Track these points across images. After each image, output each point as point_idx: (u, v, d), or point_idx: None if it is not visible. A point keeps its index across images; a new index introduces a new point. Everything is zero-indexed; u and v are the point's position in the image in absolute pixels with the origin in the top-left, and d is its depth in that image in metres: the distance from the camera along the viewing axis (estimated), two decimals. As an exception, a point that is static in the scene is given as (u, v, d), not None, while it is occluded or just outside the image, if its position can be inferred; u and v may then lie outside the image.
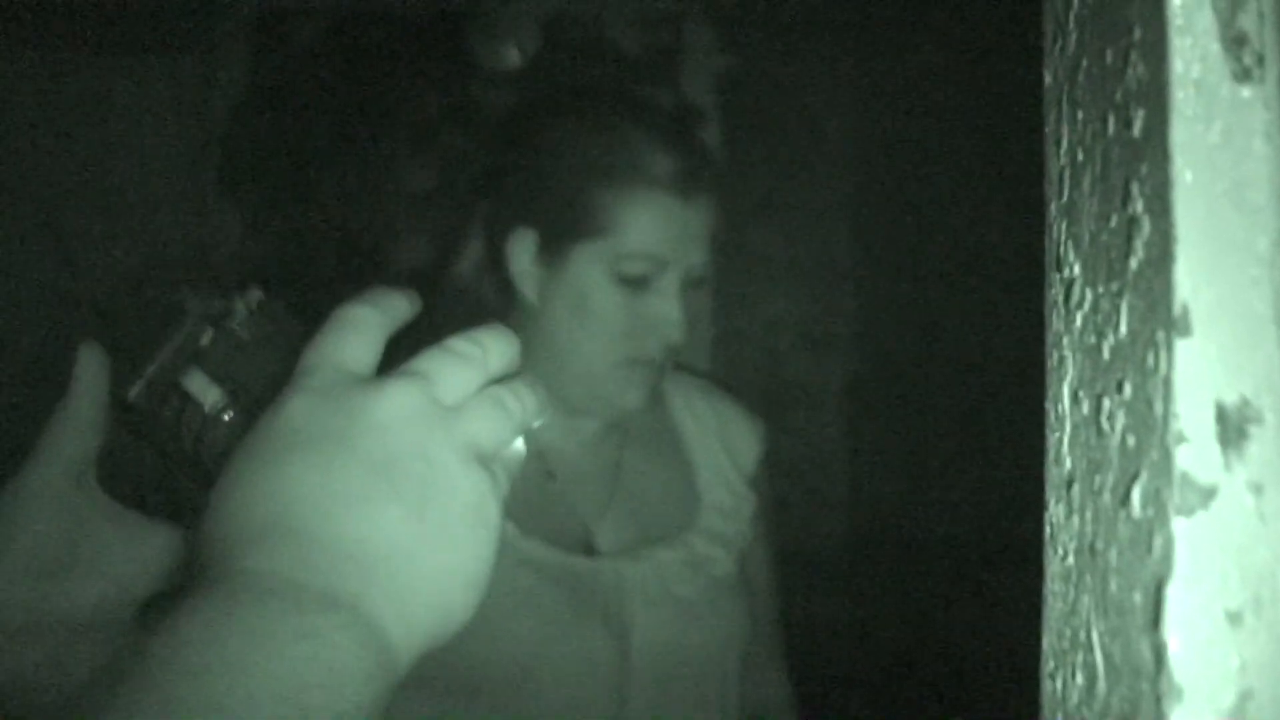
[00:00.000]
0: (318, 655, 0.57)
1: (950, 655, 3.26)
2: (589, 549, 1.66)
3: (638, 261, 1.56)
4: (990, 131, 3.22)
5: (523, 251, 1.62)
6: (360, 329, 0.69)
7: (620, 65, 3.19)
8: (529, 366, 1.65)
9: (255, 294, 0.79)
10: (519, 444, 0.72)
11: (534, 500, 1.66)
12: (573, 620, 1.56)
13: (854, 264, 3.26)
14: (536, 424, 0.72)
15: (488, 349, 0.69)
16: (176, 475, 0.79)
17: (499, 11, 3.05)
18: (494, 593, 1.45)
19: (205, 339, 0.77)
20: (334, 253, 3.20)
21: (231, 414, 0.75)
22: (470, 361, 0.68)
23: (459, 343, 0.68)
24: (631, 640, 1.59)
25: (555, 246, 1.59)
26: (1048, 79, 0.41)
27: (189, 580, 0.63)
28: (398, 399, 0.64)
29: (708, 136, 3.11)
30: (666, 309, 1.59)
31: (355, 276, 3.17)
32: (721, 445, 1.85)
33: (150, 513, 0.84)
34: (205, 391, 0.75)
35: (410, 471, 0.62)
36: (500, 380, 0.70)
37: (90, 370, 0.80)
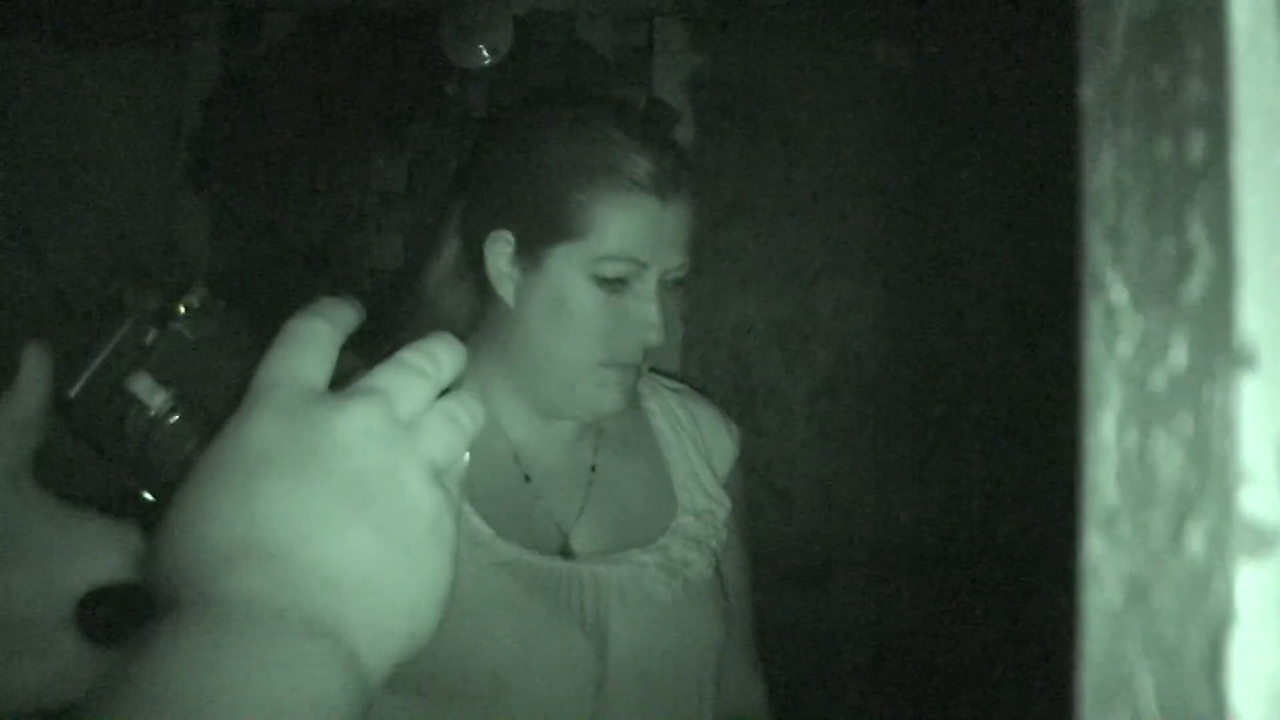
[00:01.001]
0: (303, 683, 0.58)
1: (919, 658, 3.26)
2: (565, 551, 1.66)
3: (616, 263, 1.55)
4: (964, 132, 3.23)
5: (499, 253, 1.62)
6: (315, 343, 0.69)
7: (593, 64, 3.18)
8: (506, 368, 1.64)
9: (199, 291, 0.78)
10: (464, 455, 0.72)
11: (510, 503, 1.66)
12: (550, 623, 1.56)
13: (825, 265, 3.26)
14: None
15: (440, 362, 0.69)
16: (118, 474, 0.77)
17: (472, 10, 3.03)
18: (471, 595, 1.43)
19: (149, 338, 0.75)
20: (303, 251, 3.18)
21: (177, 417, 0.74)
22: (425, 376, 0.68)
23: (413, 356, 0.69)
24: (609, 643, 1.59)
25: (532, 248, 1.58)
26: (1087, 95, 0.39)
27: (156, 598, 0.64)
28: (361, 418, 0.64)
29: (681, 136, 3.10)
30: (644, 311, 1.59)
31: (324, 274, 3.15)
32: (696, 449, 1.85)
33: (87, 506, 0.82)
34: (151, 394, 0.74)
35: (378, 493, 0.63)
36: (446, 391, 0.70)
37: (33, 367, 0.79)
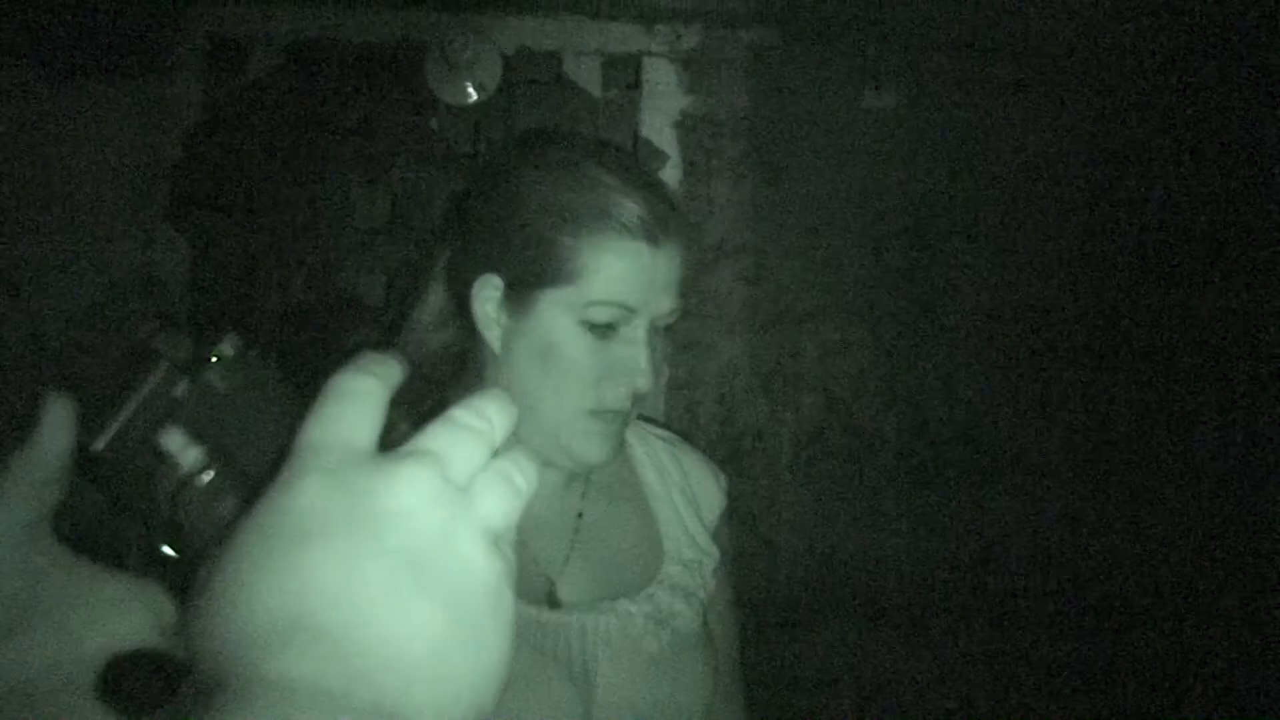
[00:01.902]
0: None
1: (904, 708, 3.24)
2: (552, 601, 1.62)
3: (605, 309, 1.53)
4: (952, 174, 3.21)
5: (487, 298, 1.59)
6: (363, 402, 0.64)
7: (580, 103, 3.16)
8: None
9: (233, 339, 0.73)
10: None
11: None
12: (536, 674, 1.53)
13: (812, 308, 3.23)
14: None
15: (492, 420, 0.66)
16: (145, 532, 0.73)
17: (459, 46, 3.01)
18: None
19: (180, 390, 0.71)
20: (282, 285, 3.14)
21: (211, 475, 0.69)
22: (479, 436, 0.64)
23: (466, 415, 0.65)
24: (596, 695, 1.56)
25: (520, 293, 1.56)
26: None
27: (196, 673, 0.59)
28: (417, 484, 0.60)
29: (668, 177, 3.08)
30: (634, 357, 1.56)
31: (303, 310, 3.12)
32: (684, 498, 1.83)
33: (109, 563, 0.76)
34: (183, 450, 0.69)
35: (437, 563, 0.59)
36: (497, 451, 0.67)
37: (56, 418, 0.72)
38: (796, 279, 3.24)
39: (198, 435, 0.70)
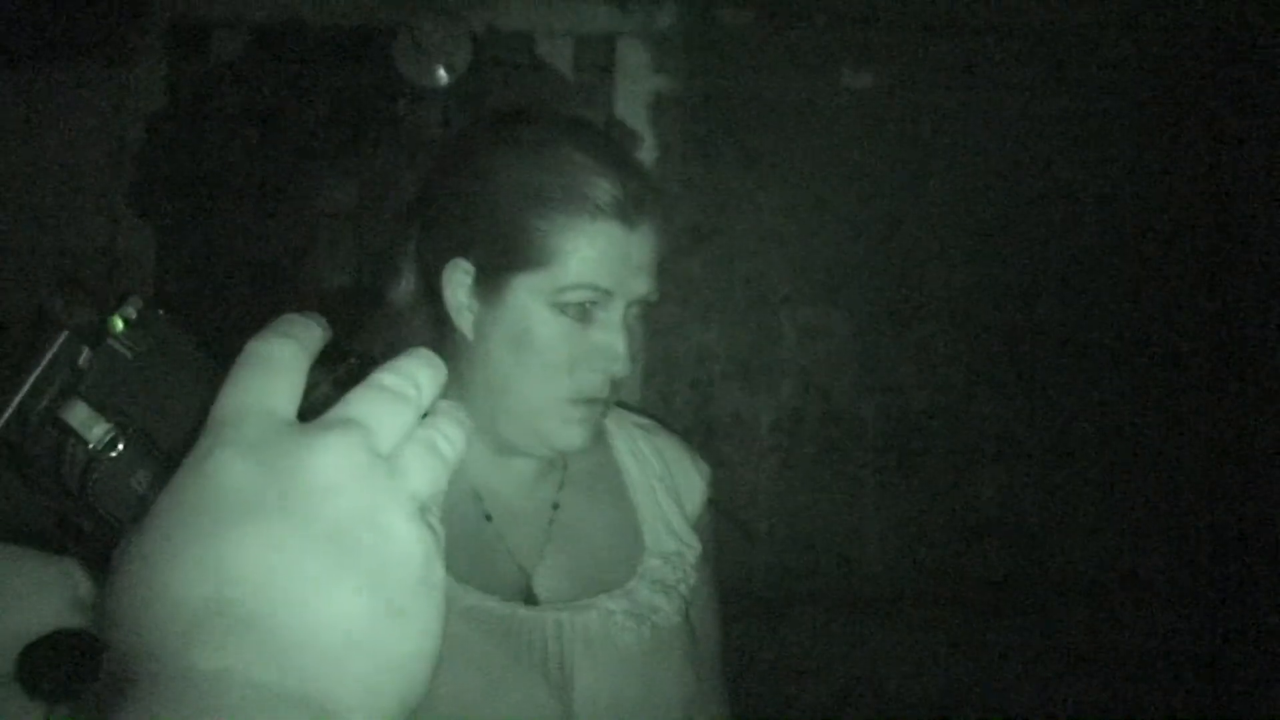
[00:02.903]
0: None
1: (883, 696, 3.22)
2: (528, 596, 1.58)
3: (579, 292, 1.48)
4: (930, 156, 3.19)
5: (457, 283, 1.54)
6: (282, 368, 0.60)
7: (553, 85, 3.12)
8: (465, 403, 1.56)
9: (136, 301, 0.68)
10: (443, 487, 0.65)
11: (470, 544, 1.58)
12: (512, 673, 1.48)
13: (789, 293, 3.20)
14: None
15: (420, 384, 0.62)
16: (58, 509, 0.68)
17: (429, 27, 2.96)
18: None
19: (82, 359, 0.66)
20: (249, 270, 3.10)
21: (120, 448, 0.64)
22: (406, 402, 0.60)
23: (391, 379, 0.61)
24: (574, 694, 1.51)
25: (492, 278, 1.51)
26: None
27: (112, 659, 0.55)
28: (342, 458, 0.56)
29: (642, 159, 3.05)
30: (610, 342, 1.52)
31: (270, 294, 3.08)
32: (665, 488, 1.78)
33: (23, 543, 0.72)
34: (89, 425, 0.63)
35: (364, 540, 0.55)
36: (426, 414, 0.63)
37: None
38: (772, 263, 3.21)
39: (104, 407, 0.65)
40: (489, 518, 1.62)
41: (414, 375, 0.61)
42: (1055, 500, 3.25)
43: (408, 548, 0.56)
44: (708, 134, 3.19)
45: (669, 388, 3.18)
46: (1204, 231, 3.27)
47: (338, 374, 0.63)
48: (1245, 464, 3.28)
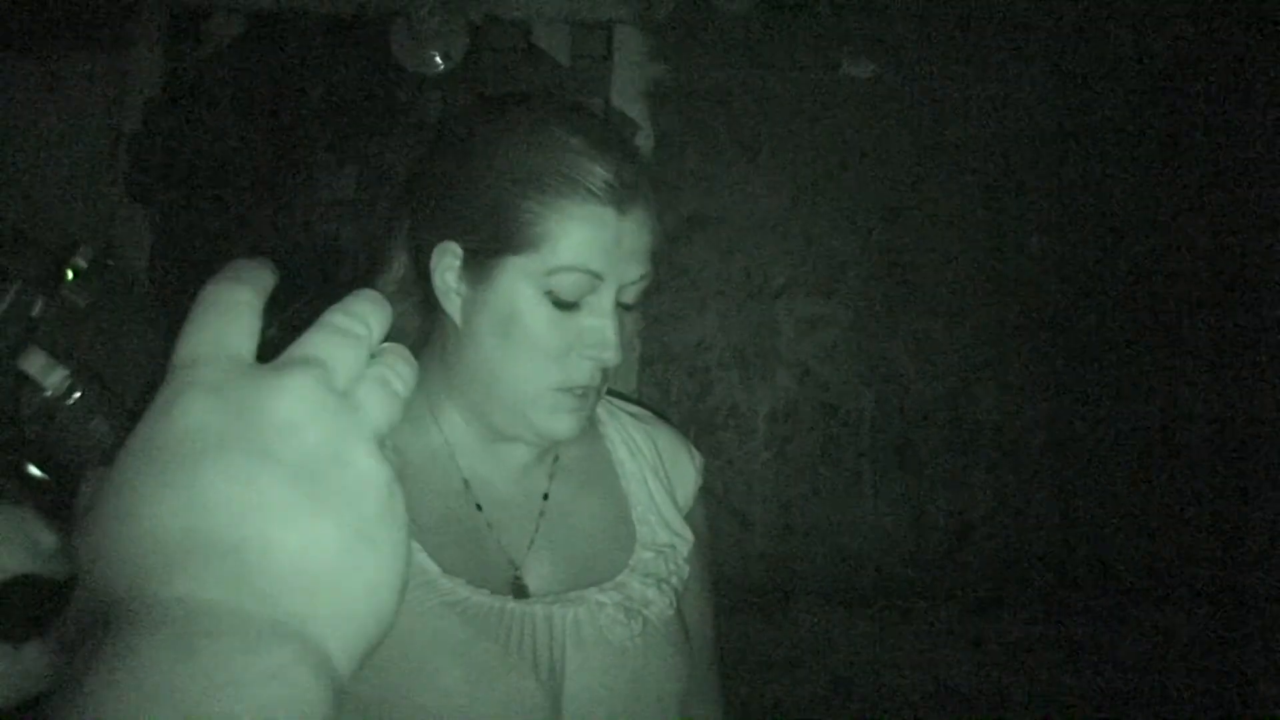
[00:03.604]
0: (285, 695, 0.53)
1: (879, 689, 3.21)
2: (517, 588, 1.56)
3: (569, 277, 1.47)
4: (931, 146, 3.18)
5: (446, 267, 1.52)
6: (238, 311, 0.63)
7: (549, 72, 3.10)
8: (455, 389, 1.54)
9: (86, 252, 0.68)
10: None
11: (459, 534, 1.56)
12: (501, 669, 1.46)
13: (787, 282, 3.18)
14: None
15: (369, 323, 0.65)
16: (15, 457, 0.67)
17: (425, 15, 2.94)
18: (416, 639, 1.32)
19: (36, 309, 0.66)
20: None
21: (78, 395, 0.66)
22: (358, 340, 0.64)
23: (342, 319, 0.64)
24: (564, 690, 1.49)
25: (481, 261, 1.49)
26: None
27: (89, 601, 0.57)
28: (303, 394, 0.59)
29: (639, 147, 3.03)
30: (600, 329, 1.50)
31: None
32: (657, 478, 1.76)
33: None
34: (46, 372, 0.65)
35: (329, 473, 0.58)
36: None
37: None
38: (771, 252, 3.19)
39: (60, 355, 0.65)
40: (479, 507, 1.60)
41: (363, 315, 0.65)
42: (1054, 493, 3.23)
43: (371, 478, 0.59)
44: (706, 123, 3.17)
45: (665, 377, 3.16)
46: (1207, 223, 3.25)
47: (287, 316, 0.67)
48: (1248, 457, 3.26)
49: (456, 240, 1.51)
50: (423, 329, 1.65)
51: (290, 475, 0.56)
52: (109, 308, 0.68)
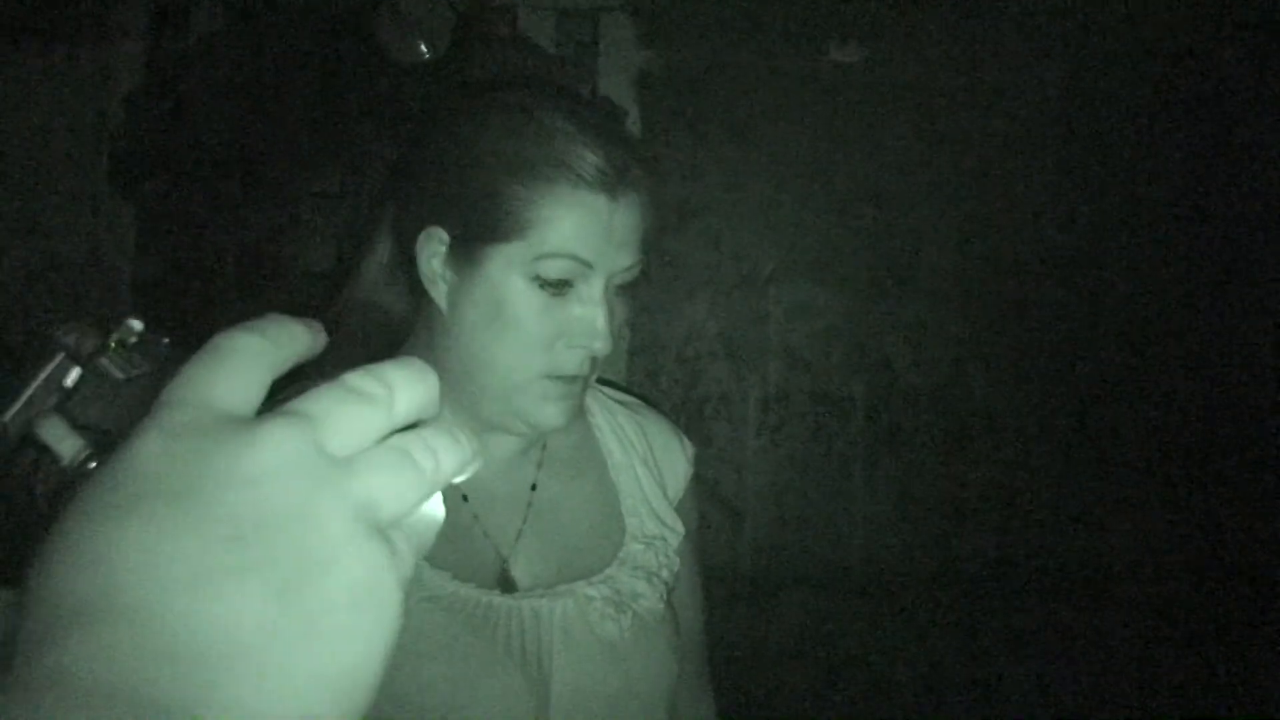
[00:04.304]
0: None
1: (871, 679, 3.20)
2: (505, 582, 1.53)
3: (557, 263, 1.43)
4: (913, 132, 3.17)
5: (432, 253, 1.49)
6: (240, 361, 0.54)
7: (536, 60, 3.08)
8: (441, 378, 1.52)
9: (133, 325, 0.65)
10: (435, 509, 0.58)
11: (446, 526, 1.53)
12: (487, 665, 1.43)
13: (776, 270, 3.17)
14: (460, 479, 0.57)
15: (395, 387, 0.55)
16: (25, 536, 0.65)
17: (410, 3, 2.92)
18: (402, 634, 1.30)
19: (69, 378, 0.63)
20: (234, 255, 3.06)
21: (95, 465, 0.61)
22: (371, 402, 0.53)
23: (358, 378, 0.54)
24: (551, 686, 1.46)
25: (468, 248, 1.46)
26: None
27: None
28: (274, 446, 0.50)
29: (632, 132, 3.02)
30: (590, 317, 1.47)
31: (256, 280, 3.04)
32: (647, 469, 1.74)
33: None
34: (62, 440, 0.61)
35: (282, 538, 0.48)
36: (412, 427, 0.56)
37: None
38: (760, 240, 3.18)
39: (84, 426, 0.62)
40: (465, 498, 1.58)
41: (386, 377, 0.55)
42: (1046, 480, 3.22)
43: (339, 554, 0.49)
44: (694, 109, 3.15)
45: (655, 366, 3.15)
46: (1201, 208, 3.24)
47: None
48: (1242, 445, 3.25)
49: (443, 226, 1.48)
50: (408, 316, 1.63)
51: (229, 536, 0.47)
52: (144, 383, 0.65)
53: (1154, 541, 3.25)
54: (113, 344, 0.65)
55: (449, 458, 0.55)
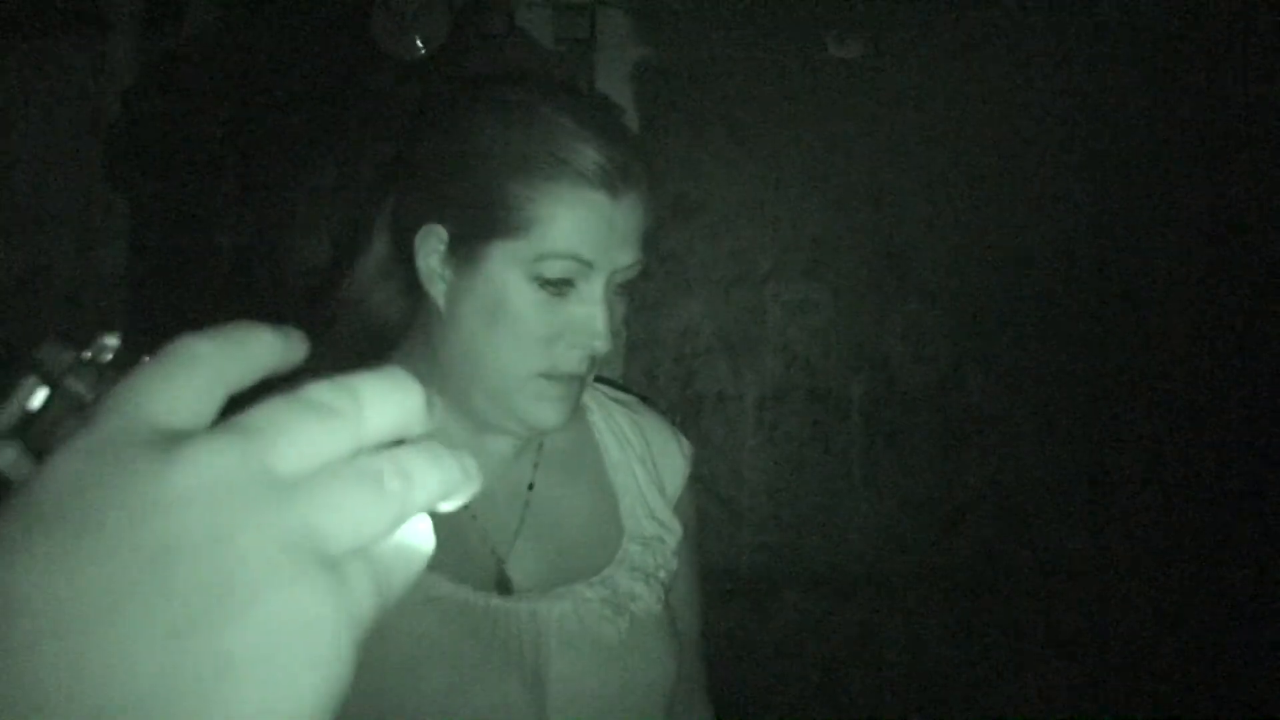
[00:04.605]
0: None
1: (869, 678, 3.19)
2: (501, 584, 1.52)
3: (559, 263, 1.42)
4: (912, 129, 3.16)
5: (431, 250, 1.48)
6: (190, 370, 0.47)
7: (533, 55, 3.06)
8: (437, 376, 1.50)
9: (108, 342, 0.61)
10: (417, 540, 0.51)
11: (441, 526, 1.52)
12: (484, 668, 1.42)
13: (774, 267, 3.16)
14: (450, 506, 0.51)
15: (365, 400, 0.47)
16: None
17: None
18: (394, 636, 1.27)
19: (34, 401, 0.60)
20: (229, 251, 3.05)
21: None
22: (332, 416, 0.46)
23: (320, 389, 0.46)
24: (548, 689, 1.45)
25: (467, 245, 1.45)
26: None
27: None
28: (202, 464, 0.42)
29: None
30: (590, 316, 1.45)
31: (251, 276, 3.03)
32: (645, 468, 1.72)
33: None
34: (18, 469, 0.57)
35: (192, 569, 0.41)
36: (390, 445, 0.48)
37: None
38: (758, 237, 3.17)
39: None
40: None
41: (354, 389, 0.47)
42: (1044, 479, 3.21)
43: (266, 593, 0.41)
44: (691, 106, 3.14)
45: (652, 364, 3.14)
46: (1201, 206, 3.23)
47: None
48: (1240, 444, 3.24)
49: (442, 223, 1.47)
50: (405, 313, 1.61)
51: (139, 561, 0.40)
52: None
53: (1152, 541, 3.24)
54: (84, 361, 0.61)
55: (428, 481, 0.48)
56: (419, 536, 0.51)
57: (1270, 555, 3.21)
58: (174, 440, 0.43)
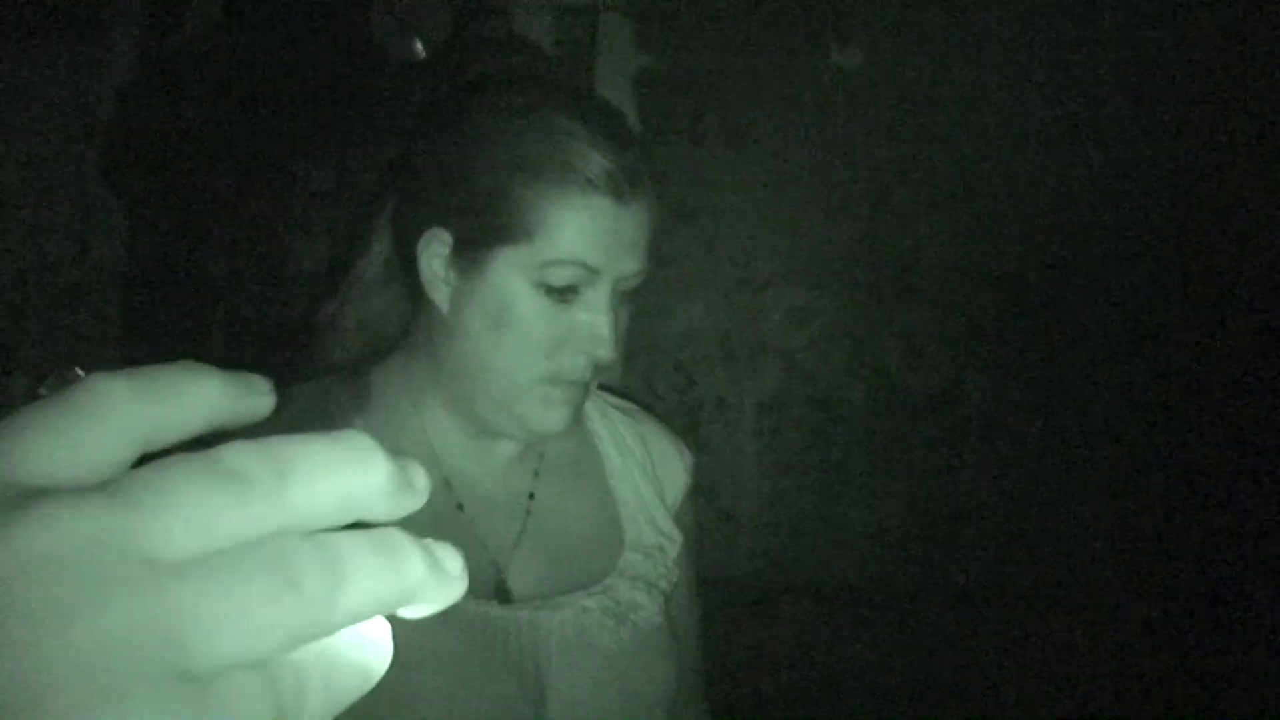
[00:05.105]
0: None
1: (869, 689, 3.18)
2: (501, 592, 1.50)
3: (564, 269, 1.40)
4: (912, 136, 3.15)
5: (434, 254, 1.46)
6: (90, 419, 0.37)
7: (533, 59, 3.05)
8: (439, 381, 1.48)
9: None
10: (361, 651, 0.40)
11: (440, 535, 1.50)
12: (483, 678, 1.40)
13: (775, 273, 3.15)
14: (415, 613, 0.40)
15: (292, 470, 0.37)
16: None
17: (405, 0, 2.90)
18: (393, 646, 1.26)
19: None
20: (227, 253, 3.03)
21: None
22: (242, 487, 0.36)
23: (236, 451, 0.36)
24: (548, 700, 1.43)
25: (471, 250, 1.43)
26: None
27: None
28: (59, 530, 0.33)
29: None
30: (595, 323, 1.44)
31: (249, 279, 3.01)
32: (646, 477, 1.71)
33: None
34: None
35: (18, 662, 0.31)
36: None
37: None
38: (757, 243, 3.16)
39: None
40: (461, 507, 1.55)
41: (281, 455, 0.37)
42: (1045, 488, 3.20)
43: (104, 712, 0.31)
44: (692, 111, 3.13)
45: (652, 370, 3.12)
46: (1201, 215, 3.22)
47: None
48: (1243, 454, 3.23)
49: (446, 227, 1.45)
50: (406, 318, 1.60)
51: None
52: None
53: (1152, 550, 3.23)
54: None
55: (368, 582, 0.37)
56: (369, 649, 0.41)
57: (1271, 572, 3.20)
58: (26, 502, 0.34)
